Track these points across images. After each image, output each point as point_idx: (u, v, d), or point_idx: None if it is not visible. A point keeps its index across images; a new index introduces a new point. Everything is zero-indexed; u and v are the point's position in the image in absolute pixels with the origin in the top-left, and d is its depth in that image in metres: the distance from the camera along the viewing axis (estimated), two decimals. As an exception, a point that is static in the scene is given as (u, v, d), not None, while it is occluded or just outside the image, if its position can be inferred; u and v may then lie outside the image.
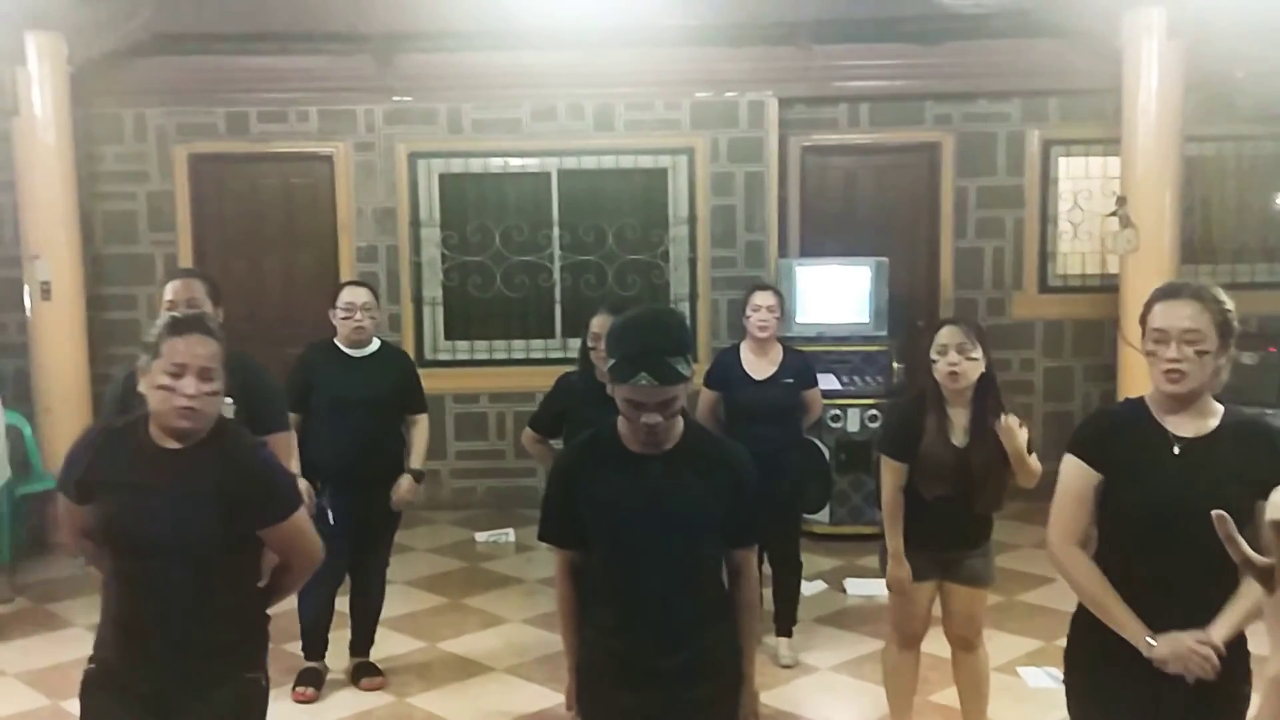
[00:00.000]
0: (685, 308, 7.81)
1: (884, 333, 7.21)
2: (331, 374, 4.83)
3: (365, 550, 4.90)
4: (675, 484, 2.67)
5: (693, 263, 7.91)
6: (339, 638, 5.05)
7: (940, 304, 8.04)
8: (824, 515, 6.85)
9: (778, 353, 5.19)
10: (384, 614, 5.15)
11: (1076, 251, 8.13)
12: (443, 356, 7.96)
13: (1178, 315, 2.60)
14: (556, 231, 7.90)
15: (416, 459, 5.01)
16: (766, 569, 4.89)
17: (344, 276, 7.42)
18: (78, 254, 7.15)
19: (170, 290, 3.97)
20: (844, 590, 6.20)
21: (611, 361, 2.64)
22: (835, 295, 7.26)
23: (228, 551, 2.65)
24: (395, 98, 7.76)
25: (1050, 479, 2.96)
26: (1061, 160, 8.09)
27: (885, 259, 7.29)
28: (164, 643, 2.63)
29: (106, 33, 7.10)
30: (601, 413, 2.82)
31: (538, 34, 7.28)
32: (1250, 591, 2.42)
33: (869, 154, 8.17)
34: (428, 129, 7.83)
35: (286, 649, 4.84)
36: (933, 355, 3.79)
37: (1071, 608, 2.82)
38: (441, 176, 7.91)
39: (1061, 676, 2.85)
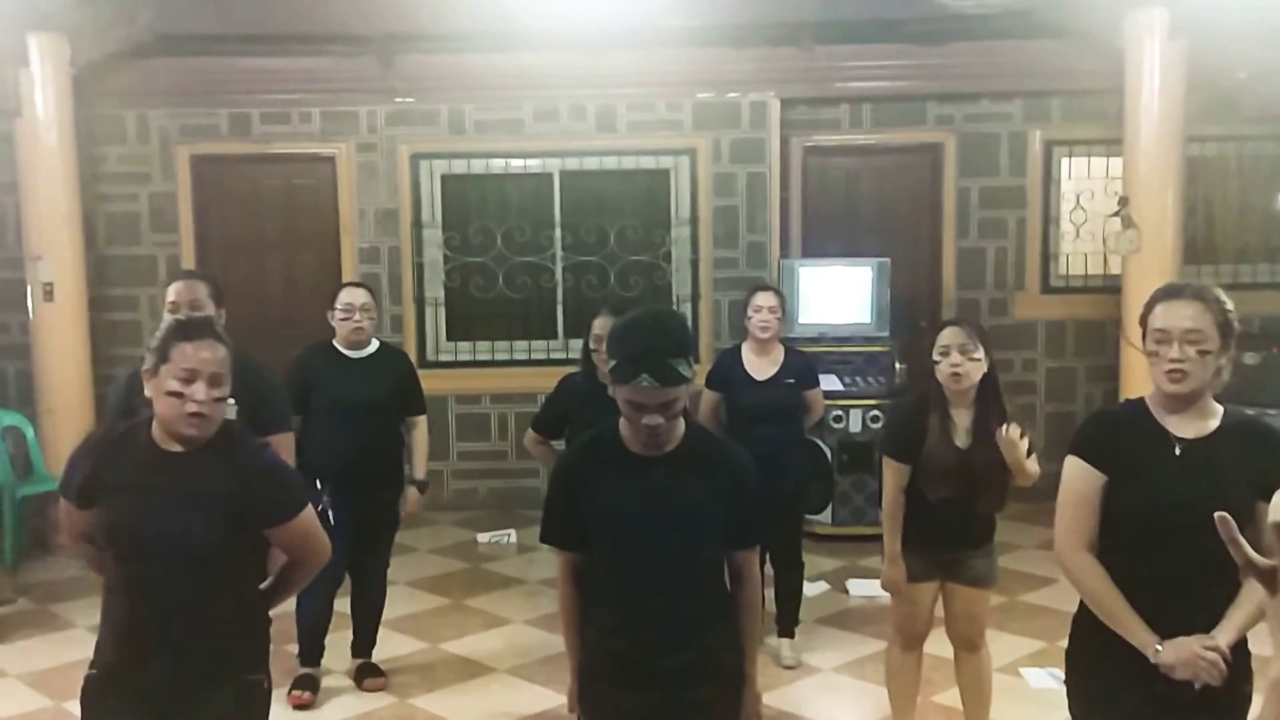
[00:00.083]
0: (687, 308, 7.81)
1: (886, 333, 7.21)
2: (330, 375, 4.83)
3: (365, 551, 4.90)
4: (677, 485, 2.67)
5: (694, 263, 7.90)
6: (341, 639, 5.06)
7: (942, 304, 8.04)
8: (826, 516, 6.87)
9: (779, 353, 5.19)
10: (386, 615, 5.15)
11: (1079, 252, 8.12)
12: (445, 357, 7.96)
13: (1179, 315, 2.60)
14: (558, 232, 7.90)
15: (419, 469, 5.03)
16: (768, 570, 4.90)
17: (346, 277, 7.41)
18: (80, 255, 7.15)
19: (173, 291, 3.96)
20: (846, 591, 6.19)
21: (613, 363, 2.64)
22: (837, 296, 7.26)
23: (230, 554, 2.63)
24: (397, 99, 7.76)
25: (1050, 479, 2.95)
26: (1064, 161, 8.09)
27: (887, 259, 7.30)
28: (166, 645, 2.62)
29: (109, 34, 7.10)
30: (603, 414, 2.81)
31: (540, 35, 7.28)
32: (1253, 594, 2.41)
33: (871, 154, 8.17)
34: (430, 130, 7.83)
35: (287, 649, 4.84)
36: (935, 356, 3.79)
37: (1073, 609, 2.81)
38: (444, 177, 7.91)
39: (1063, 677, 2.84)
